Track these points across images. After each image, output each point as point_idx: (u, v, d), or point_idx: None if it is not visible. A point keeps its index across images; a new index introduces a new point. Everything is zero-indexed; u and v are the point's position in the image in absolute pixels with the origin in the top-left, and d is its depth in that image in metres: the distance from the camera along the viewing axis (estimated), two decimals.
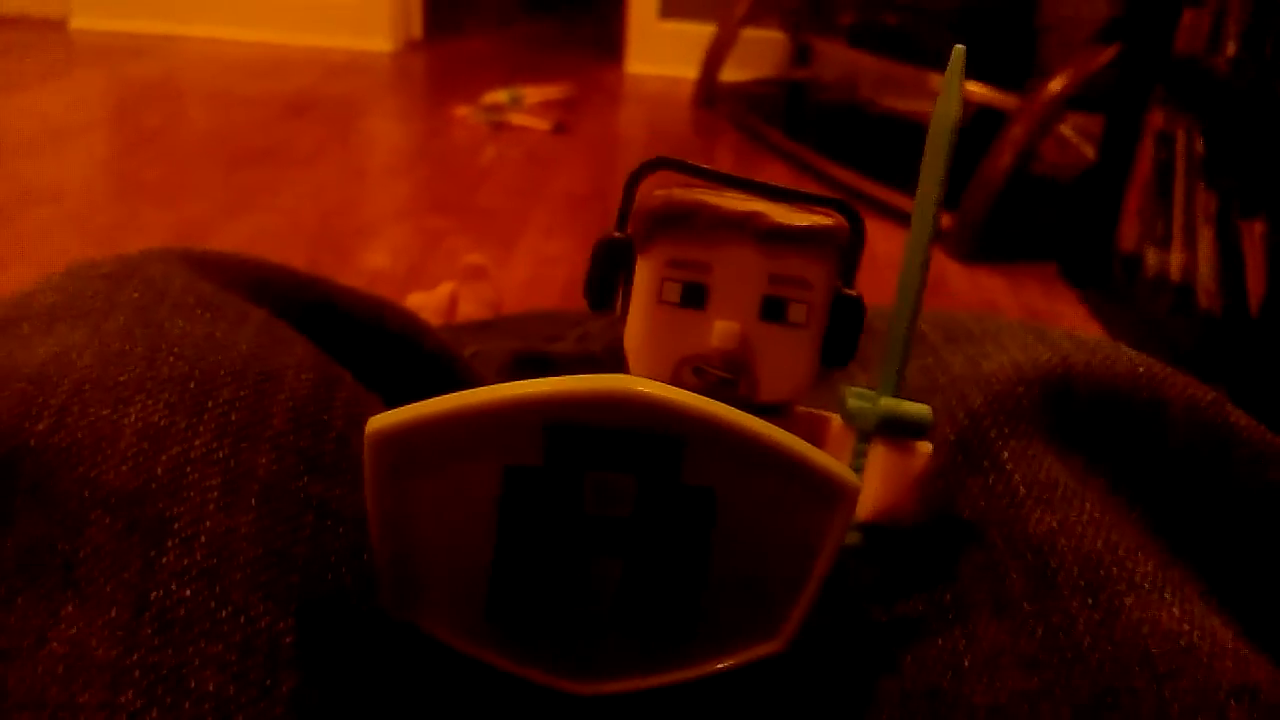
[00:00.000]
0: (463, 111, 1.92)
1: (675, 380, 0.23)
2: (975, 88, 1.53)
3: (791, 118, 2.07)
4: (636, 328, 0.24)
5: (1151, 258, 1.29)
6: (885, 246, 1.51)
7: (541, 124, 1.89)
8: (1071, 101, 1.40)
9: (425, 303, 0.86)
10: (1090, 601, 0.23)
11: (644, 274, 0.23)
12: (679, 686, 0.22)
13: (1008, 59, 1.58)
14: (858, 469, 0.24)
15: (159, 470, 0.23)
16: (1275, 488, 0.27)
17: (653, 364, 0.24)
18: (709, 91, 2.12)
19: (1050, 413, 0.28)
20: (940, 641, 0.24)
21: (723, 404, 0.20)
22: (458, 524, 0.21)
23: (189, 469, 0.23)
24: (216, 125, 1.83)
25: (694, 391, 0.22)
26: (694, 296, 0.23)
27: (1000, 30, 1.64)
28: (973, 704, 0.22)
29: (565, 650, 0.22)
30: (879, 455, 0.24)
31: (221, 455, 0.23)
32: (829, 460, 0.21)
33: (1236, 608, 0.25)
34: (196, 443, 0.23)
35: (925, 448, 0.24)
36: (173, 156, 1.62)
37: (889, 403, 0.24)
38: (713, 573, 0.22)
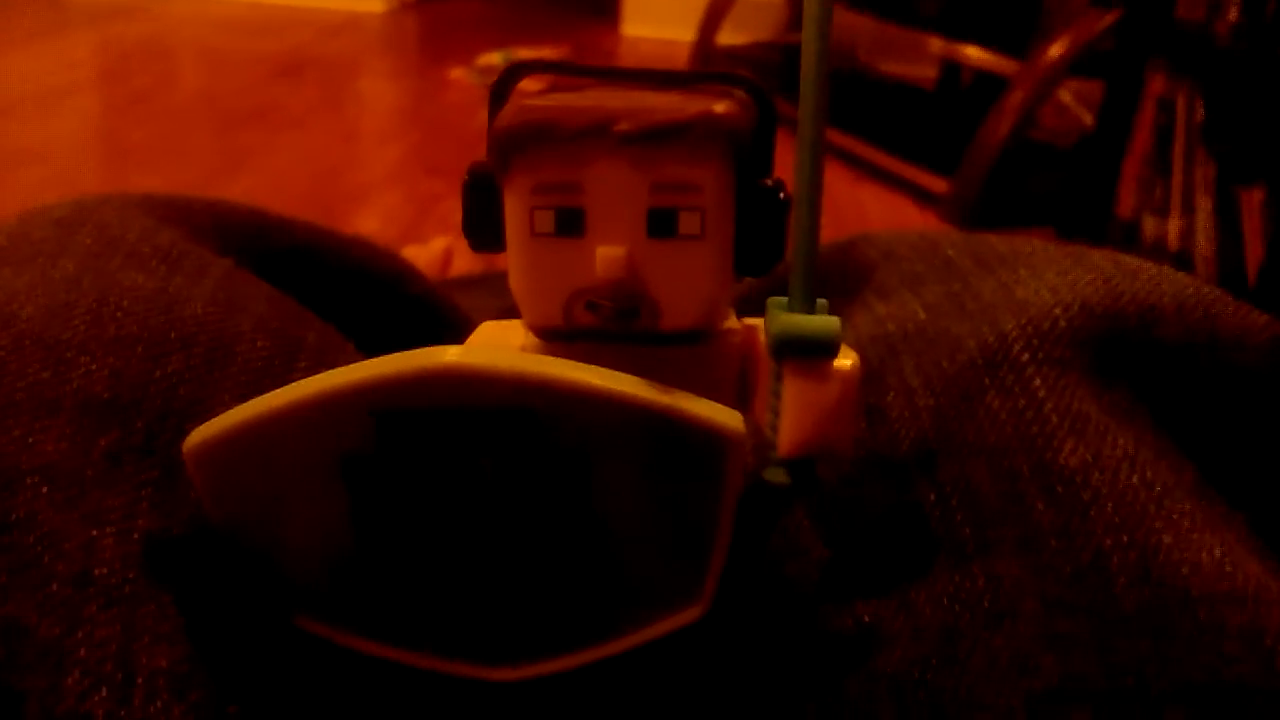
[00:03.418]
0: (457, 73, 1.90)
1: (569, 319, 0.21)
2: (975, 52, 1.51)
3: (789, 82, 2.05)
4: (516, 268, 0.21)
5: (1149, 225, 1.28)
6: (884, 212, 1.51)
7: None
8: (1071, 67, 1.39)
9: (418, 255, 0.85)
10: (1125, 540, 0.21)
11: (511, 206, 0.20)
12: (608, 664, 0.21)
13: (1008, 23, 1.56)
14: (778, 394, 0.21)
15: (96, 454, 0.21)
16: None
17: (540, 305, 0.21)
18: (705, 54, 2.09)
19: (1089, 340, 0.25)
20: (956, 578, 0.22)
21: (570, 363, 0.18)
22: (315, 522, 0.19)
23: (126, 456, 0.21)
24: (207, 86, 1.81)
25: (591, 328, 0.20)
26: (570, 223, 0.20)
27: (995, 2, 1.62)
28: (992, 647, 0.20)
29: (475, 638, 0.21)
30: (789, 382, 0.21)
31: (164, 440, 0.22)
32: (700, 405, 0.19)
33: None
34: (138, 424, 0.22)
35: (844, 367, 0.21)
36: (163, 118, 1.60)
37: (786, 320, 0.20)
38: (609, 541, 0.20)
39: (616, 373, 0.18)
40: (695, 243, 0.20)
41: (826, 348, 0.20)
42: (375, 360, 0.18)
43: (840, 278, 0.33)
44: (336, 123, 1.68)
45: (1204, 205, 1.17)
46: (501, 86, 0.21)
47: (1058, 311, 0.25)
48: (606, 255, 0.20)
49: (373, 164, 1.53)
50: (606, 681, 0.22)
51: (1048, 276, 0.27)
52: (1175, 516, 0.21)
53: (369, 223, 1.27)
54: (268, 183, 1.36)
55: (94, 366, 0.22)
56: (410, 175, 1.46)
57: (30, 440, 0.21)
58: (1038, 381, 0.24)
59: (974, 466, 0.23)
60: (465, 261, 0.87)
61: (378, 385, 0.18)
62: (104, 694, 0.18)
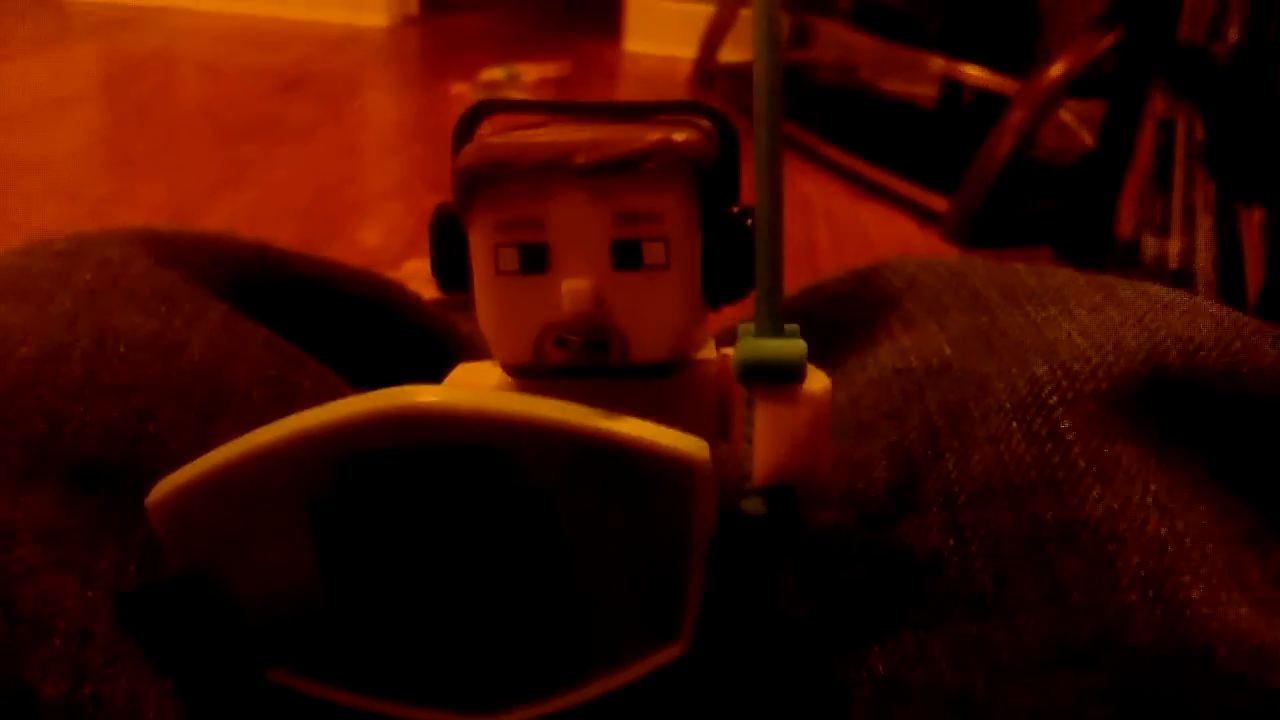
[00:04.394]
0: (459, 89, 1.90)
1: (539, 356, 0.20)
2: (975, 71, 1.52)
3: (789, 99, 2.06)
4: (483, 306, 0.21)
5: (1149, 245, 1.28)
6: (885, 231, 1.51)
7: None
8: (1072, 87, 1.39)
9: (421, 270, 0.86)
10: (1151, 594, 0.20)
11: (475, 245, 0.20)
12: (589, 708, 0.20)
13: (1008, 43, 1.56)
14: (750, 423, 0.21)
15: (84, 514, 0.21)
16: None
17: (509, 343, 0.21)
18: (707, 71, 2.10)
19: (1123, 382, 0.24)
20: (975, 630, 0.21)
21: (533, 399, 0.18)
22: (284, 572, 0.19)
23: (112, 514, 0.21)
24: (209, 98, 1.81)
25: (562, 365, 0.20)
26: (534, 259, 0.20)
27: (1001, 13, 1.62)
28: (1009, 706, 0.20)
29: (450, 686, 0.20)
30: (759, 409, 0.20)
31: None
32: (662, 434, 0.18)
33: None
34: (129, 483, 0.21)
35: (814, 390, 0.20)
36: (165, 129, 1.60)
37: (751, 345, 0.20)
38: (580, 581, 0.19)
39: (576, 406, 0.18)
40: (661, 273, 0.20)
41: (791, 372, 0.20)
42: (334, 404, 0.18)
43: (859, 306, 0.32)
44: (338, 136, 1.68)
45: (1204, 225, 1.18)
46: (465, 126, 0.21)
47: (1091, 354, 0.25)
48: (572, 289, 0.20)
49: (374, 178, 1.53)
50: None
51: (1079, 315, 0.26)
52: (1204, 570, 0.20)
53: (371, 236, 1.27)
54: (269, 195, 1.36)
55: (88, 419, 0.22)
56: (412, 189, 1.47)
57: (23, 499, 0.20)
58: (1066, 423, 0.23)
59: (996, 512, 0.22)
60: None
61: (336, 429, 0.18)
62: None
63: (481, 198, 0.20)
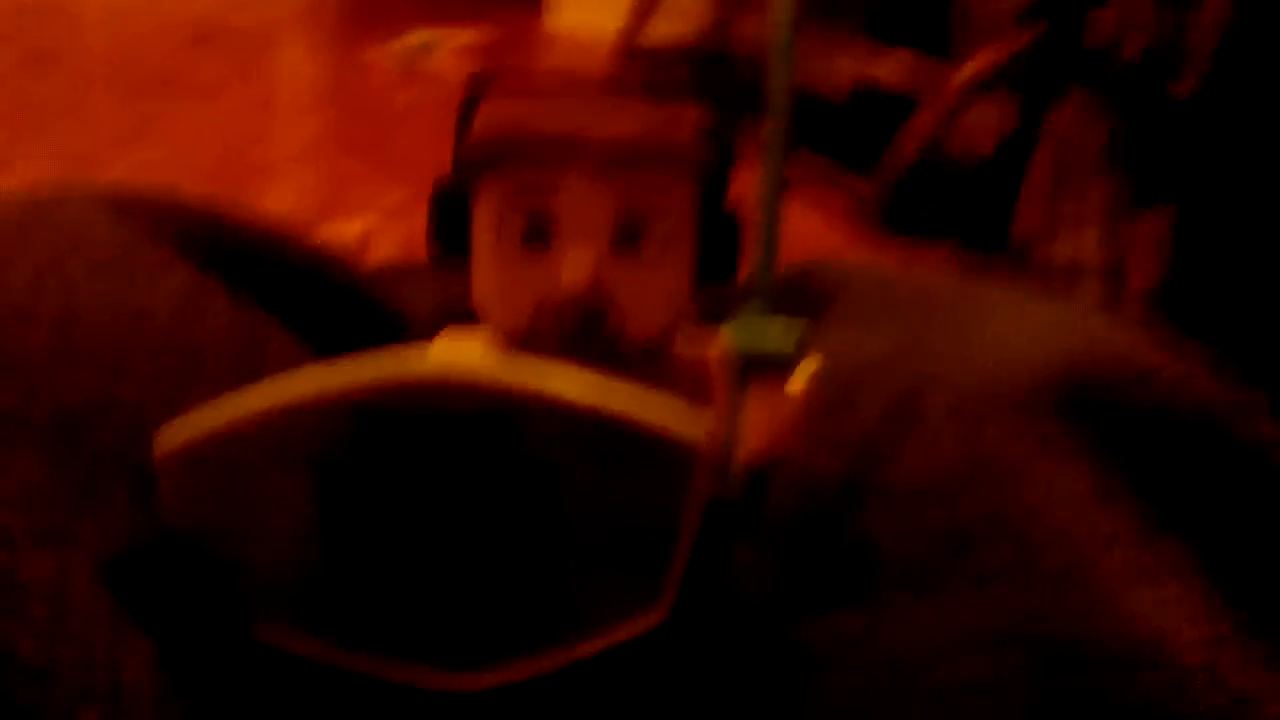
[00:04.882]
0: (376, 53, 1.86)
1: (532, 331, 0.21)
2: (889, 67, 1.54)
3: (712, 79, 2.06)
4: (482, 277, 0.21)
5: (1044, 245, 1.33)
6: (798, 223, 1.53)
7: (459, 71, 1.85)
8: (983, 85, 1.42)
9: (336, 238, 0.84)
10: (1065, 586, 0.22)
11: (480, 216, 0.21)
12: (570, 671, 0.21)
13: (922, 40, 1.59)
14: (736, 405, 0.22)
15: (67, 477, 0.21)
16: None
17: (504, 315, 0.21)
18: (633, 46, 2.10)
19: (1044, 388, 0.26)
20: (911, 613, 0.23)
21: (546, 370, 0.19)
22: (283, 530, 0.20)
23: (99, 477, 0.21)
24: (113, 49, 1.74)
25: (555, 339, 0.21)
26: (538, 233, 0.21)
27: (916, 9, 1.65)
28: (935, 679, 0.22)
29: (437, 645, 0.21)
30: (752, 395, 0.22)
31: (134, 461, 0.22)
32: (669, 417, 0.19)
33: (1237, 593, 0.24)
34: (108, 445, 0.22)
35: (801, 379, 0.22)
36: (66, 80, 1.54)
37: (749, 335, 0.22)
38: (573, 548, 0.20)
39: (588, 380, 0.19)
40: (659, 256, 0.21)
41: (788, 358, 0.21)
42: (353, 364, 0.18)
43: (797, 301, 0.33)
44: (248, 96, 1.64)
45: (1094, 229, 1.22)
46: (471, 96, 0.22)
47: (1012, 363, 0.27)
48: (574, 260, 0.21)
49: (285, 140, 1.50)
50: (568, 688, 0.22)
51: (998, 327, 0.29)
52: (1112, 565, 0.23)
53: (281, 200, 1.24)
54: (173, 153, 1.32)
55: (61, 385, 0.22)
56: (325, 153, 1.44)
57: (4, 465, 0.21)
58: (991, 430, 0.25)
59: (929, 509, 0.25)
60: (384, 247, 0.86)
61: (358, 390, 0.18)
62: (92, 715, 0.18)
63: (492, 171, 0.20)
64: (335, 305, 0.35)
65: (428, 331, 0.31)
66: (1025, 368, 0.27)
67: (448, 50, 1.94)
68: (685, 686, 0.23)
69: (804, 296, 0.34)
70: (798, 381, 0.22)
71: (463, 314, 0.49)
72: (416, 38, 1.93)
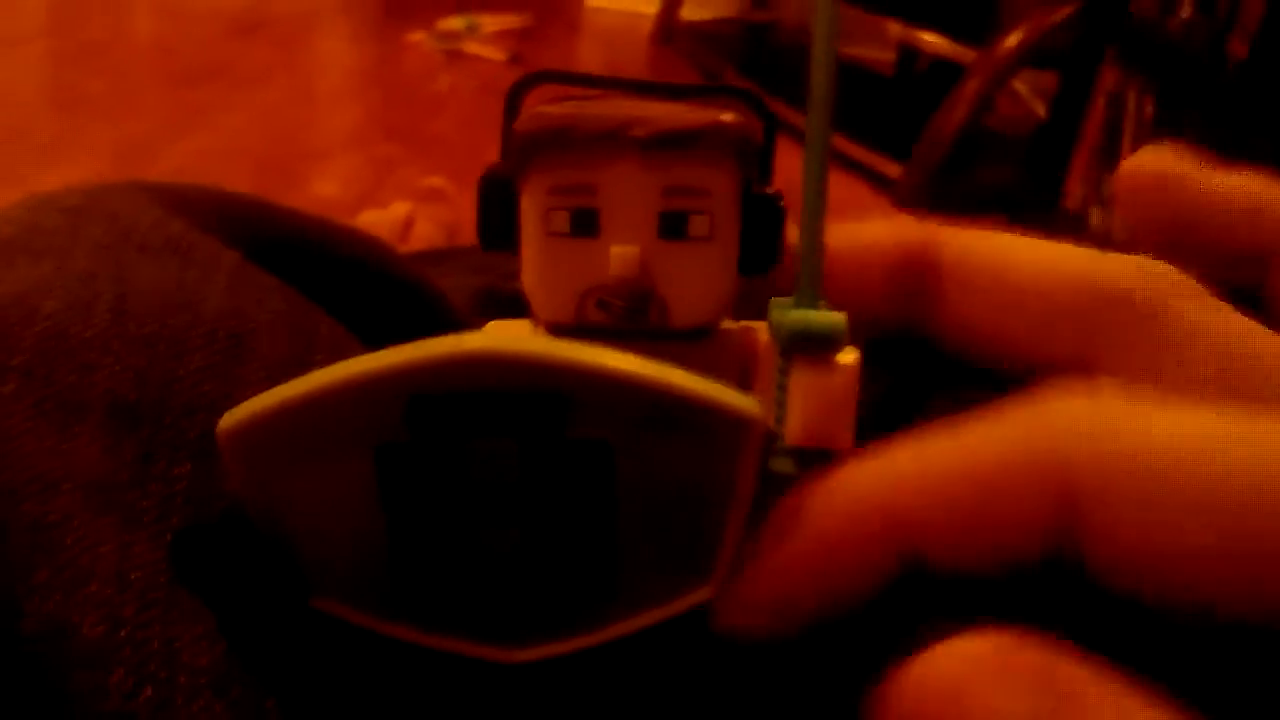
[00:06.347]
0: (417, 37, 1.88)
1: (580, 316, 0.22)
2: (932, 39, 1.53)
3: (750, 60, 2.06)
4: (530, 266, 0.22)
5: (1095, 218, 1.31)
6: (838, 194, 1.51)
7: (497, 54, 1.86)
8: (1027, 59, 1.41)
9: (378, 221, 0.85)
10: None
11: (527, 207, 0.21)
12: (620, 645, 0.21)
13: (966, 11, 1.58)
14: (783, 388, 0.22)
15: (127, 456, 0.22)
16: None
17: (552, 302, 0.22)
18: (668, 28, 2.09)
19: None
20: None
21: (599, 349, 0.19)
22: (342, 507, 0.20)
23: (157, 454, 0.22)
24: (161, 39, 1.77)
25: (601, 326, 0.21)
26: (584, 223, 0.21)
27: None
28: None
29: (485, 622, 0.21)
30: (797, 374, 0.22)
31: (192, 436, 0.22)
32: (724, 393, 0.19)
33: None
34: (166, 421, 0.22)
35: (849, 360, 0.21)
36: (116, 70, 1.57)
37: (796, 315, 0.21)
38: (624, 524, 0.21)
39: (640, 358, 0.19)
40: (703, 244, 0.21)
41: (834, 341, 0.21)
42: (408, 345, 0.19)
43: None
44: (293, 83, 1.66)
45: None
46: (515, 94, 0.22)
47: None
48: (621, 254, 0.21)
49: (331, 126, 1.52)
50: (618, 662, 0.22)
51: None
52: None
53: (327, 185, 1.26)
54: (222, 141, 1.34)
55: (118, 367, 0.23)
56: (369, 138, 1.45)
57: (63, 446, 0.21)
58: None
59: None
60: (425, 228, 0.87)
61: (413, 369, 0.18)
62: (149, 694, 0.19)
63: (538, 162, 0.21)
64: (378, 291, 0.35)
65: (471, 315, 0.31)
66: None
67: (486, 34, 1.95)
68: (734, 662, 0.23)
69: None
70: (845, 361, 0.22)
71: (505, 298, 0.49)
72: (455, 22, 1.94)
